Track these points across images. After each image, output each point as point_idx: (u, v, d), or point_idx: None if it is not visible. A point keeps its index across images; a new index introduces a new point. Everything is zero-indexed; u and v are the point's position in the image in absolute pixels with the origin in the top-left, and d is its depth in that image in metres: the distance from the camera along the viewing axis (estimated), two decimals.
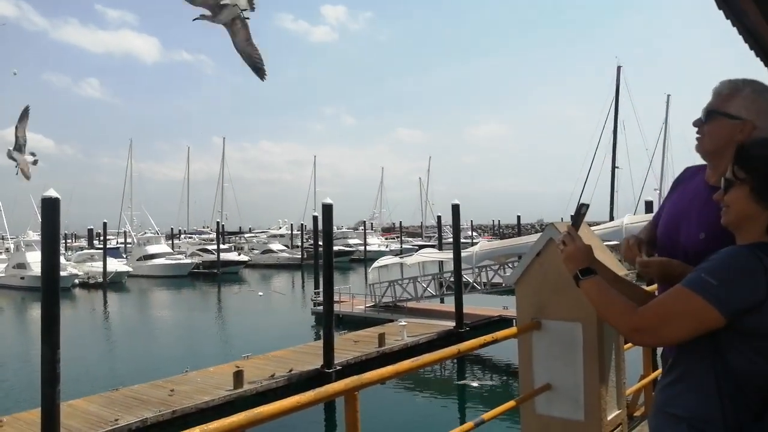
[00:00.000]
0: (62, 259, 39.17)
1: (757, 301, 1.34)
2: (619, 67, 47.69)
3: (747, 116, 1.79)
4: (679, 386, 1.47)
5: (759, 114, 1.80)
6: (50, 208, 11.39)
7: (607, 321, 1.57)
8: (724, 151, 1.78)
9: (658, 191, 46.22)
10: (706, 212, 1.87)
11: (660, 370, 2.03)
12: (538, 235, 3.09)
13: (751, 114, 1.79)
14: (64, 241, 69.44)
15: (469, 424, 2.80)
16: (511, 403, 2.93)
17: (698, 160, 2.09)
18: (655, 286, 2.13)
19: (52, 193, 11.41)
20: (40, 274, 11.71)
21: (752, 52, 3.73)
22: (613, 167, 46.64)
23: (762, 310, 1.35)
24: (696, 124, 1.95)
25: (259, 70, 7.86)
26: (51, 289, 11.19)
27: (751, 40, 3.49)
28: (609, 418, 2.95)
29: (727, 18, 3.21)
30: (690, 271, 1.76)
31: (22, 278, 45.14)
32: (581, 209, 1.89)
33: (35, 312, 28.75)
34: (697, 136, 1.95)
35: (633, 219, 22.84)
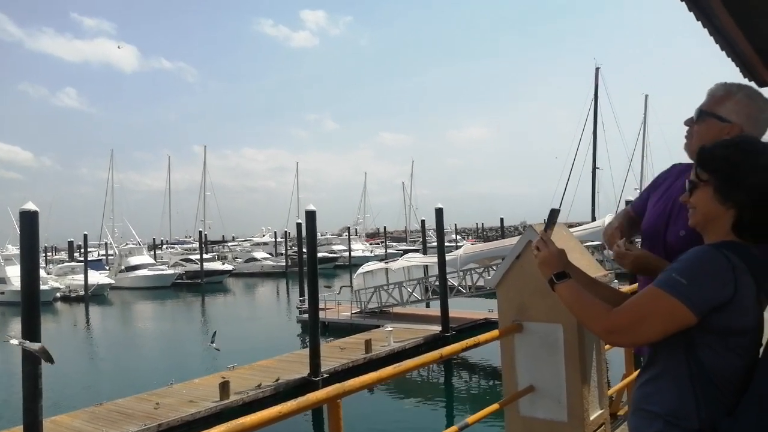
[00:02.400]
0: (42, 273, 38.70)
1: (726, 298, 1.38)
2: (597, 69, 48.26)
3: (736, 120, 1.84)
4: (654, 384, 1.50)
5: (748, 119, 1.84)
6: (29, 221, 11.26)
7: (583, 323, 1.59)
8: None
9: (638, 190, 46.59)
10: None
11: None
12: (519, 237, 3.11)
13: (740, 118, 1.83)
14: (44, 254, 68.48)
15: (453, 429, 2.81)
16: (494, 406, 2.95)
17: (678, 159, 2.13)
18: (632, 286, 2.17)
19: (30, 206, 11.27)
20: (19, 289, 11.54)
21: (723, 53, 3.80)
22: (594, 168, 47.12)
23: (731, 307, 1.38)
24: (687, 123, 1.99)
25: None
26: (31, 304, 11.03)
27: (721, 41, 3.55)
28: (592, 417, 2.98)
29: (698, 19, 3.27)
30: (665, 265, 1.81)
31: (2, 293, 44.32)
32: (553, 214, 1.92)
33: (16, 327, 28.26)
34: (686, 135, 1.99)
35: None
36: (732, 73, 4.14)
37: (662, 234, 2.02)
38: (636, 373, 4.19)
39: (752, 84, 4.29)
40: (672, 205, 2.01)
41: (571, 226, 23.97)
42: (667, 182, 2.15)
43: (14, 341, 15.33)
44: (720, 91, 1.91)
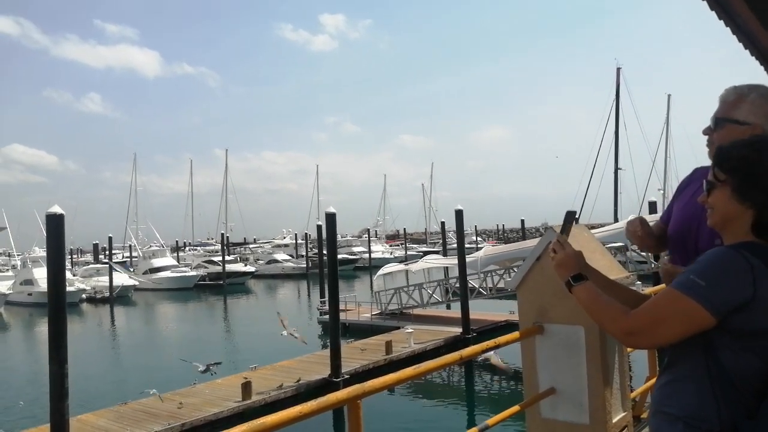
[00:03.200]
0: (68, 274, 39.43)
1: (745, 299, 1.37)
2: (618, 69, 47.66)
3: (755, 120, 1.82)
4: (674, 386, 1.49)
5: (767, 118, 1.82)
6: (55, 224, 11.47)
7: (601, 325, 1.59)
8: None
9: (661, 191, 46.01)
10: None
11: None
12: (540, 238, 3.10)
13: (759, 118, 1.82)
14: (69, 256, 69.66)
15: (474, 430, 2.80)
16: (515, 408, 2.94)
17: (702, 158, 2.11)
18: (654, 288, 2.18)
19: (56, 209, 11.49)
20: (46, 290, 11.77)
21: (747, 52, 3.74)
22: (616, 168, 46.51)
23: (750, 309, 1.37)
24: (706, 132, 1.98)
25: None
26: (58, 305, 11.24)
27: (744, 40, 3.51)
28: (614, 420, 2.95)
29: (720, 18, 3.23)
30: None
31: (30, 294, 45.25)
32: (569, 216, 1.92)
33: (43, 328, 28.84)
34: (707, 144, 1.98)
35: None
36: (755, 71, 4.09)
37: (693, 238, 2.01)
38: None
39: None
40: (702, 209, 2.00)
41: (593, 227, 23.72)
42: (691, 186, 2.13)
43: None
44: (732, 96, 1.90)
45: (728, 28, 3.34)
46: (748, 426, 1.36)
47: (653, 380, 4.21)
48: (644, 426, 4.09)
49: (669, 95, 54.99)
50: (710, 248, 1.90)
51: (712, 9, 3.06)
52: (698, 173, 2.17)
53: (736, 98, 1.88)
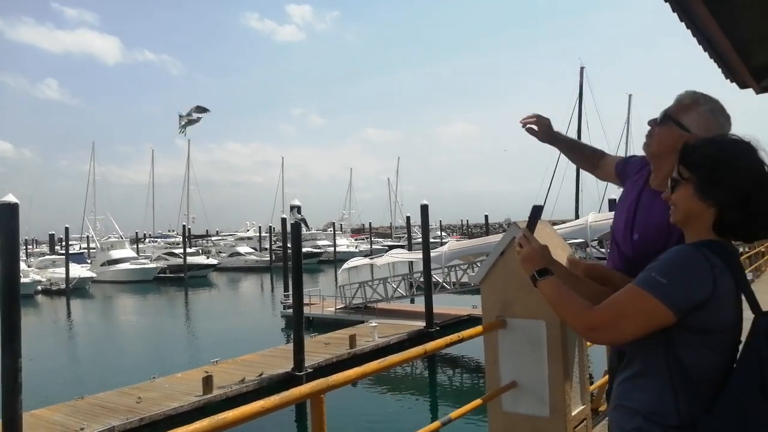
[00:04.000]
0: (23, 265, 38.23)
1: (705, 297, 1.40)
2: (582, 68, 48.63)
3: (695, 131, 1.86)
4: (634, 381, 1.52)
5: (707, 132, 1.86)
6: (9, 213, 11.12)
7: (564, 320, 1.61)
8: (667, 157, 1.86)
9: (621, 189, 47.07)
10: (642, 214, 1.96)
11: None
12: (504, 234, 3.12)
13: (700, 130, 1.86)
14: (24, 247, 67.53)
15: (436, 424, 2.82)
16: (477, 402, 2.97)
17: None
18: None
19: (10, 198, 11.13)
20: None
21: (706, 54, 3.83)
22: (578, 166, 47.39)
23: (709, 306, 1.40)
24: (650, 123, 2.02)
25: None
26: (12, 297, 10.90)
27: (704, 42, 3.59)
28: (573, 413, 3.01)
29: (681, 20, 3.30)
30: (615, 276, 1.85)
31: None
32: (535, 211, 1.94)
33: None
34: (647, 135, 2.02)
35: (597, 217, 23.33)
36: (714, 75, 4.20)
37: (621, 237, 2.06)
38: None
39: (734, 85, 4.35)
40: (631, 207, 2.06)
41: (555, 223, 24.14)
42: (628, 181, 2.19)
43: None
44: (687, 100, 1.94)
45: (689, 30, 3.41)
46: (705, 420, 1.40)
47: None
48: (602, 418, 4.19)
49: (630, 95, 56.41)
50: (632, 246, 1.97)
51: (674, 11, 3.12)
52: (634, 164, 2.22)
53: (690, 103, 1.92)
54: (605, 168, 2.46)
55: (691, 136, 1.83)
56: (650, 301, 1.42)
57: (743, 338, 1.47)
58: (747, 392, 1.38)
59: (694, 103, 1.92)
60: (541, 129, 2.54)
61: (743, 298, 1.47)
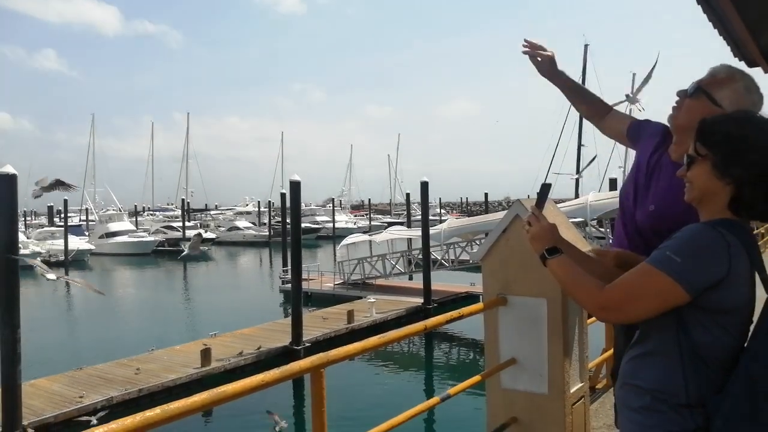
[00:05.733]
0: (22, 237, 38.19)
1: (719, 277, 1.37)
2: (586, 46, 48.14)
3: (727, 107, 1.80)
4: (644, 359, 1.50)
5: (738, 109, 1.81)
6: (7, 184, 11.08)
7: (574, 299, 1.59)
8: (693, 132, 1.80)
9: (622, 168, 46.99)
10: (662, 186, 1.91)
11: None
12: (505, 212, 3.10)
13: (731, 107, 1.79)
14: (23, 218, 67.51)
15: (435, 399, 2.83)
16: (476, 378, 2.97)
17: None
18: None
19: (8, 169, 11.09)
20: None
21: (716, 31, 3.77)
22: (579, 145, 47.29)
23: (723, 286, 1.38)
24: (680, 94, 1.94)
25: None
26: (10, 268, 10.91)
27: (714, 18, 3.52)
28: (572, 390, 3.01)
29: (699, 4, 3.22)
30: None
31: None
32: (544, 189, 1.91)
33: None
34: (675, 106, 1.96)
35: (597, 196, 23.27)
36: (723, 52, 4.13)
37: (634, 206, 2.02)
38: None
39: (742, 64, 4.28)
40: (648, 177, 2.00)
41: (556, 202, 24.11)
42: (643, 145, 2.13)
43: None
44: (722, 74, 1.87)
45: (699, 6, 3.34)
46: (715, 400, 1.38)
47: (610, 352, 4.31)
48: (600, 395, 4.22)
49: (634, 74, 55.62)
50: (647, 218, 1.92)
51: None
52: (651, 128, 2.16)
53: (726, 77, 1.85)
54: (612, 123, 2.37)
55: (722, 112, 1.78)
56: (664, 279, 1.39)
57: (755, 318, 1.45)
58: (759, 373, 1.36)
59: (729, 78, 1.86)
60: (544, 60, 2.38)
61: (757, 277, 1.45)
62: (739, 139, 1.44)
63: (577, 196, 40.50)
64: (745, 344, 1.44)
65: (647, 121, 2.26)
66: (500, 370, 3.04)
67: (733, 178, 1.44)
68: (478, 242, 24.07)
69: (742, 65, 4.35)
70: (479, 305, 3.08)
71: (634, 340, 1.56)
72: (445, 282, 24.30)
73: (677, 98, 1.95)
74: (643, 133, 2.19)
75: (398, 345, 17.98)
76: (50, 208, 63.97)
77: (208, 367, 14.42)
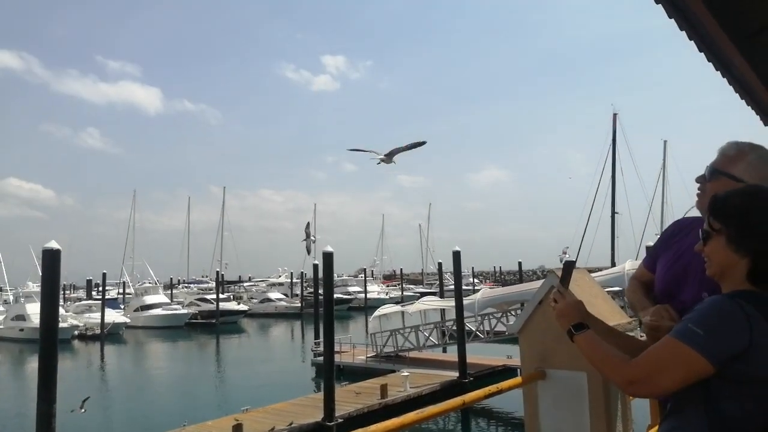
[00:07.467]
0: (61, 310, 38.93)
1: (742, 347, 1.38)
2: (615, 114, 48.46)
3: (749, 180, 1.85)
4: None
5: (761, 180, 1.86)
6: (51, 259, 11.40)
7: (603, 374, 1.61)
8: None
9: (658, 235, 46.25)
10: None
11: None
12: (540, 281, 3.09)
13: (753, 179, 1.85)
14: (62, 291, 69.00)
15: None
16: None
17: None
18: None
19: (53, 244, 11.45)
20: (38, 326, 11.62)
21: (743, 102, 3.82)
22: (613, 213, 46.83)
23: (747, 357, 1.39)
24: (699, 180, 2.01)
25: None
26: (49, 342, 11.08)
27: (740, 90, 3.58)
28: None
29: (717, 69, 3.31)
30: None
31: (21, 330, 44.61)
32: (568, 267, 1.94)
33: (33, 365, 28.32)
34: (698, 192, 2.00)
35: (634, 264, 22.79)
36: (752, 122, 4.17)
37: (681, 296, 2.01)
38: None
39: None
40: (689, 265, 1.99)
41: (591, 271, 23.70)
42: (676, 242, 2.13)
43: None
44: (732, 151, 1.93)
45: (725, 78, 3.41)
46: None
47: (655, 428, 4.14)
48: None
49: (665, 141, 55.88)
50: (696, 301, 1.91)
51: (709, 61, 3.14)
52: (680, 226, 2.19)
53: (736, 154, 1.92)
54: (645, 278, 2.25)
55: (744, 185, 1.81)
56: (688, 352, 1.40)
57: None
58: None
59: (740, 153, 1.91)
60: None
61: None
62: (750, 212, 1.48)
63: (613, 264, 39.76)
64: None
65: (659, 240, 2.27)
66: None
67: (748, 250, 1.47)
68: (513, 313, 23.61)
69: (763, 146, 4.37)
70: (518, 379, 3.03)
71: (665, 415, 1.57)
72: (480, 354, 23.71)
73: (698, 184, 2.00)
74: (660, 245, 2.20)
75: (434, 421, 17.42)
76: (89, 281, 65.37)
77: None
